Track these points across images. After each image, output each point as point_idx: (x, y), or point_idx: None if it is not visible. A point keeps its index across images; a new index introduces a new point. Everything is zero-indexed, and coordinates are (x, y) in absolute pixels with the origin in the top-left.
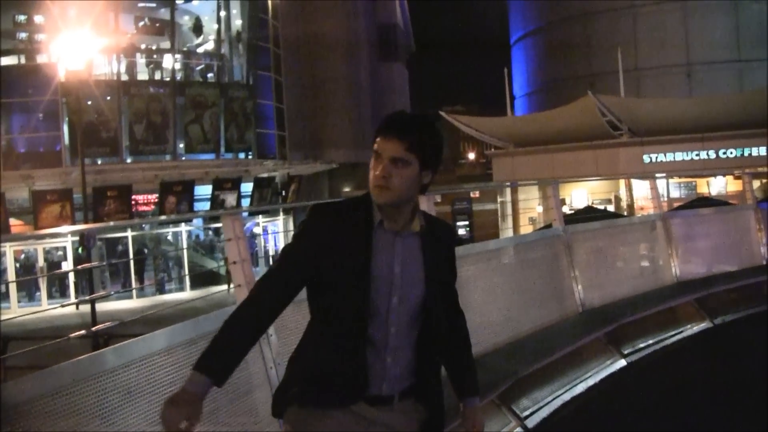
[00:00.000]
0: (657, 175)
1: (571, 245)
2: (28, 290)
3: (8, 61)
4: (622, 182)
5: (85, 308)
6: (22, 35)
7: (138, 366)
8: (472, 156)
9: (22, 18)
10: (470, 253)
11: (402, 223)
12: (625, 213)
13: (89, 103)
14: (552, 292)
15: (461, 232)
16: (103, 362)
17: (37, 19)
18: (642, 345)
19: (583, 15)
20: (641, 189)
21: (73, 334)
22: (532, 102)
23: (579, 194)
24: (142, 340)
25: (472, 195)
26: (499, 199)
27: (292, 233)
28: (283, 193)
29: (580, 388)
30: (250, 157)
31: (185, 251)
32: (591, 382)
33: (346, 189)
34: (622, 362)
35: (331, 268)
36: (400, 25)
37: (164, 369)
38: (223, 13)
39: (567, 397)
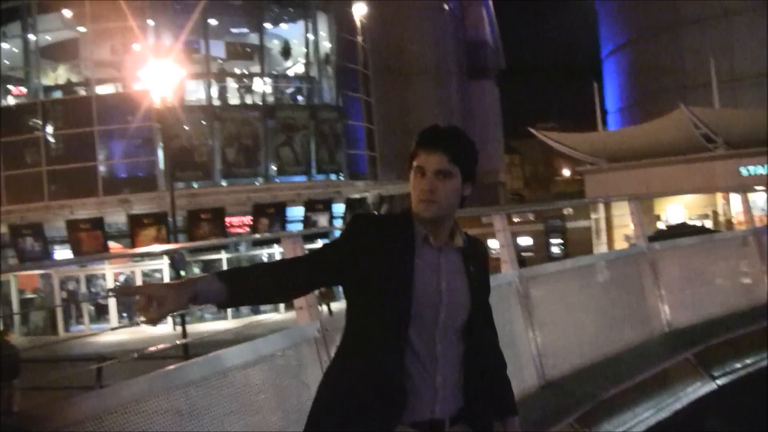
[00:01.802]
0: (757, 188)
1: (656, 263)
2: (128, 311)
3: (106, 89)
4: (719, 196)
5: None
6: (119, 64)
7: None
8: (567, 173)
9: (118, 47)
10: (545, 272)
11: (443, 238)
12: (723, 228)
13: (186, 128)
14: (636, 312)
15: (555, 250)
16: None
17: (134, 48)
18: (734, 367)
19: (673, 25)
20: (740, 203)
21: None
22: (625, 116)
23: (675, 209)
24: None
25: (565, 212)
26: (592, 216)
27: None
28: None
29: (666, 413)
30: (341, 178)
31: None
32: (678, 406)
33: None
34: (712, 385)
35: (373, 278)
36: (489, 42)
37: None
38: (311, 36)
39: (652, 421)
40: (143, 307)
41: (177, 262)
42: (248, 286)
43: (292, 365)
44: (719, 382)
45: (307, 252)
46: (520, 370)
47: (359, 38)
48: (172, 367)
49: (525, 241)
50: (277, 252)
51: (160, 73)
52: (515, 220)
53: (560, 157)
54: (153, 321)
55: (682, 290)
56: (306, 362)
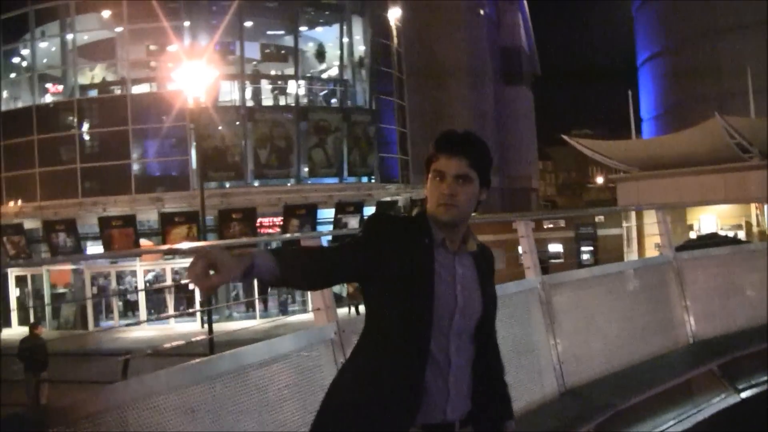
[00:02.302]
0: None
1: (682, 272)
2: (157, 307)
3: (141, 89)
4: (753, 207)
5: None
6: (155, 64)
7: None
8: (600, 180)
9: (154, 47)
10: (569, 280)
11: (457, 242)
12: (756, 239)
13: (219, 128)
14: (660, 322)
15: (585, 257)
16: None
17: (170, 49)
18: (760, 380)
19: (711, 33)
20: None
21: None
22: (660, 124)
23: (708, 219)
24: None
25: (596, 219)
26: (624, 224)
27: None
28: None
29: (687, 424)
30: (372, 181)
31: None
32: (700, 417)
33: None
34: (736, 398)
35: (396, 281)
36: (524, 49)
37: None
38: (345, 40)
39: None
40: (200, 273)
41: None
42: (296, 270)
43: (308, 366)
44: (744, 394)
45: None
46: (540, 377)
47: (394, 42)
48: (186, 363)
49: (555, 247)
50: None
51: (194, 74)
52: (548, 226)
53: (594, 165)
54: (207, 290)
55: (708, 301)
56: (322, 363)
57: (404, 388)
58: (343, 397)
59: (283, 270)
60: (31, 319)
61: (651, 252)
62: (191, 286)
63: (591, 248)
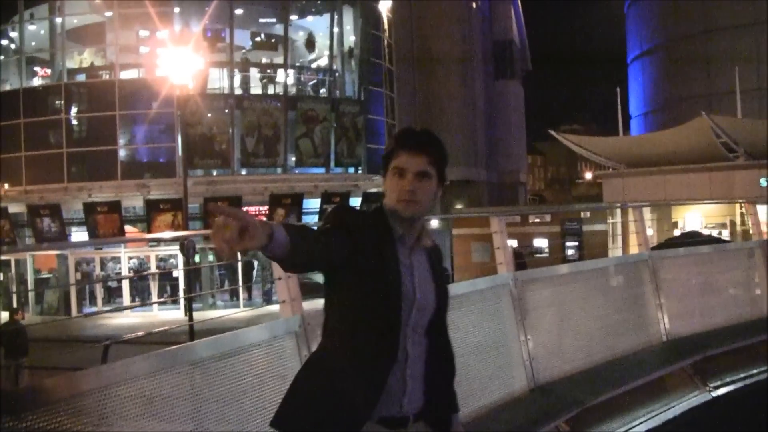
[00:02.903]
0: None
1: (657, 271)
2: (141, 295)
3: (129, 74)
4: (737, 206)
5: (196, 315)
6: (144, 50)
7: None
8: (589, 176)
9: (144, 33)
10: (542, 276)
11: (414, 238)
12: (740, 239)
13: (207, 116)
14: (634, 319)
15: (570, 252)
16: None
17: (159, 34)
18: (730, 379)
19: (701, 32)
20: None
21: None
22: (650, 122)
23: (693, 217)
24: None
25: (582, 215)
26: (609, 221)
27: None
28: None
29: (657, 421)
30: (360, 172)
31: None
32: (670, 414)
33: (459, 206)
34: (707, 396)
35: (363, 272)
36: (516, 42)
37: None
38: (336, 29)
39: (642, 428)
40: (233, 235)
41: (188, 249)
42: (303, 248)
43: (271, 358)
44: (715, 393)
45: None
46: (509, 372)
47: (384, 33)
48: (144, 354)
49: (541, 242)
50: None
51: (182, 61)
52: (534, 221)
53: (583, 160)
54: (235, 253)
55: (683, 299)
56: (286, 356)
57: (369, 381)
58: (306, 391)
59: (294, 248)
60: (14, 305)
61: (635, 249)
62: (175, 273)
63: (576, 243)
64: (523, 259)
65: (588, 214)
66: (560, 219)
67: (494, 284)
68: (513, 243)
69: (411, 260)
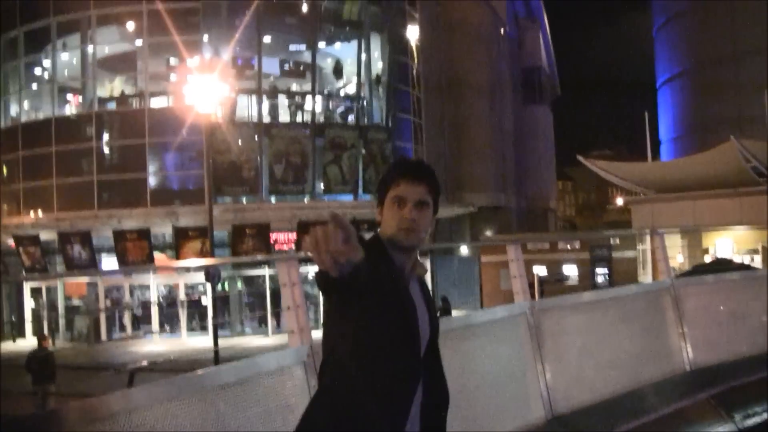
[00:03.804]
0: None
1: (680, 299)
2: (171, 322)
3: (159, 102)
4: None
5: (223, 342)
6: (173, 78)
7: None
8: (620, 202)
9: (173, 61)
10: (560, 305)
11: (410, 266)
12: None
13: (236, 143)
14: (655, 348)
15: (600, 279)
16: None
17: (188, 63)
18: (757, 410)
19: (731, 56)
20: None
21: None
22: (679, 146)
23: (724, 243)
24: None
25: (612, 242)
26: (639, 247)
27: None
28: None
29: None
30: None
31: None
32: None
33: (488, 232)
34: (733, 427)
35: (380, 303)
36: (545, 67)
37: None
38: (364, 57)
39: None
40: (338, 246)
41: (213, 276)
42: (366, 270)
43: (278, 387)
44: (740, 425)
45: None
46: (526, 403)
47: (412, 60)
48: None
49: (570, 269)
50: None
51: (210, 88)
52: (566, 247)
53: (613, 186)
54: (342, 263)
55: (707, 328)
56: (294, 385)
57: (395, 408)
58: (327, 424)
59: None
60: (45, 331)
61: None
62: (204, 301)
63: (606, 270)
64: (541, 287)
65: (618, 240)
66: (589, 246)
67: (511, 313)
68: (542, 270)
69: (410, 290)
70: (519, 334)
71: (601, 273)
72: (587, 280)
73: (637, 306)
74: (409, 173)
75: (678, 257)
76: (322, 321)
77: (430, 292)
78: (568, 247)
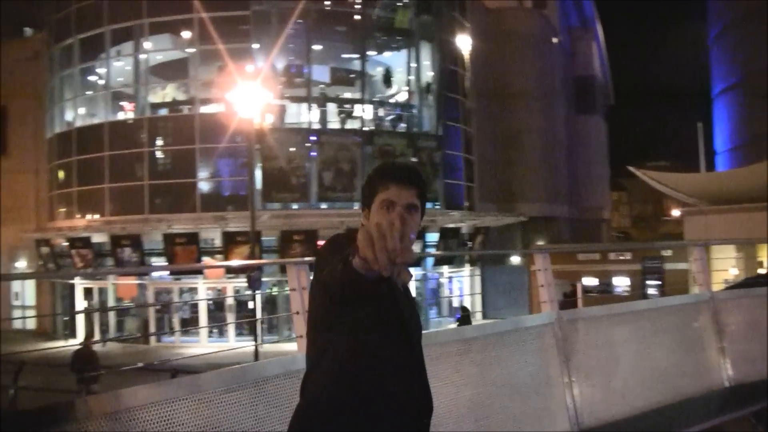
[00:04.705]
0: None
1: (720, 313)
2: (220, 327)
3: (209, 109)
4: None
5: (268, 347)
6: (223, 85)
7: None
8: (677, 213)
9: (224, 68)
10: (589, 315)
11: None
12: None
13: (288, 149)
14: (692, 363)
15: (651, 291)
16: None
17: (239, 70)
18: None
19: None
20: None
21: None
22: (735, 157)
23: None
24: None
25: (664, 253)
26: (690, 259)
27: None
28: (470, 244)
29: None
30: (437, 207)
31: None
32: None
33: (540, 242)
34: None
35: (378, 305)
36: (598, 77)
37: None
38: (413, 65)
39: None
40: (396, 245)
41: (253, 281)
42: None
43: (287, 393)
44: None
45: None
46: (551, 415)
47: (462, 68)
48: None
49: (622, 281)
50: None
51: (260, 96)
52: (619, 258)
53: (668, 197)
54: (393, 268)
55: (748, 343)
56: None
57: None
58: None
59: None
60: (96, 332)
61: (718, 287)
62: (251, 305)
63: (658, 282)
64: (572, 297)
65: (670, 252)
66: (641, 257)
67: (538, 323)
68: (593, 281)
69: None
70: (545, 344)
71: (652, 284)
72: (638, 291)
73: (673, 318)
74: (398, 177)
75: (733, 270)
76: (300, 333)
77: (413, 297)
78: (620, 257)
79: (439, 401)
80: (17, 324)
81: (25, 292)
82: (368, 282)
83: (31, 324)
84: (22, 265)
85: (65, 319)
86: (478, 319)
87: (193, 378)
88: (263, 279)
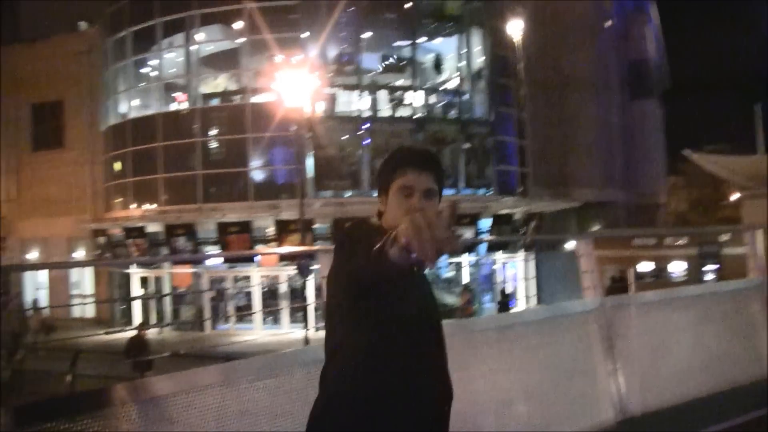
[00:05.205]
0: None
1: None
2: (274, 314)
3: (260, 98)
4: None
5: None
6: (274, 74)
7: None
8: (738, 196)
9: (274, 58)
10: (635, 302)
11: None
12: None
13: (341, 137)
14: (742, 351)
15: (708, 276)
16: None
17: (289, 59)
18: None
19: None
20: None
21: None
22: None
23: None
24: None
25: (721, 238)
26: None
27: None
28: (524, 230)
29: None
30: (489, 193)
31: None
32: None
33: (595, 227)
34: None
35: (398, 294)
36: (654, 60)
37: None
38: (464, 51)
39: None
40: (445, 233)
41: (303, 268)
42: None
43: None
44: None
45: None
46: (595, 403)
47: (514, 54)
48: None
49: (678, 266)
50: None
51: (310, 84)
52: (676, 243)
53: (728, 181)
54: (439, 256)
55: None
56: None
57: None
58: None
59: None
60: (153, 320)
61: None
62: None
63: (715, 267)
64: (624, 283)
65: (728, 237)
66: (699, 242)
67: (580, 309)
68: (650, 265)
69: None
70: (588, 330)
71: (709, 270)
72: (694, 277)
73: (725, 304)
74: (416, 162)
75: None
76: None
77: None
78: (677, 242)
79: (477, 389)
80: (77, 312)
81: (84, 281)
82: (402, 271)
83: (90, 313)
84: (80, 254)
85: (122, 307)
86: (532, 304)
87: (232, 364)
88: (313, 267)
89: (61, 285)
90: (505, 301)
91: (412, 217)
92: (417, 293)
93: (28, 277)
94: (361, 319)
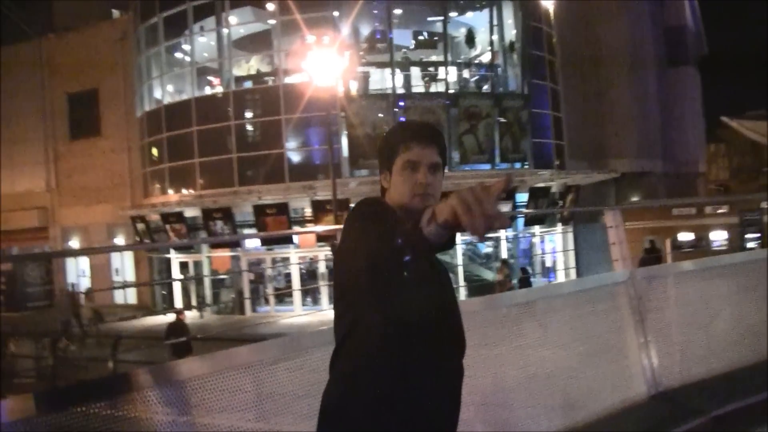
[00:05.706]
0: None
1: None
2: (313, 295)
3: (293, 79)
4: None
5: None
6: (306, 54)
7: None
8: None
9: (306, 38)
10: (666, 273)
11: None
12: None
13: (375, 115)
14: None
15: (751, 245)
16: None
17: (321, 39)
18: None
19: None
20: None
21: None
22: None
23: None
24: None
25: (763, 205)
26: None
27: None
28: (561, 203)
29: None
30: (526, 167)
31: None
32: None
33: (634, 198)
34: None
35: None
36: (690, 27)
37: None
38: (496, 24)
39: None
40: (494, 209)
41: (336, 248)
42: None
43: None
44: None
45: None
46: (627, 378)
47: (548, 25)
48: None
49: (720, 235)
50: (459, 238)
51: (342, 63)
52: (718, 211)
53: None
54: (489, 231)
55: None
56: None
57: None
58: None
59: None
60: (193, 304)
61: None
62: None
63: (758, 235)
64: (658, 253)
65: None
66: (739, 210)
67: (609, 282)
68: (689, 236)
69: None
70: (618, 303)
71: (752, 238)
72: (735, 245)
73: (756, 275)
74: (420, 136)
75: None
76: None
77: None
78: (717, 211)
79: (506, 365)
80: (119, 298)
81: (125, 267)
82: (430, 249)
83: (131, 298)
84: (120, 241)
85: (163, 293)
86: (571, 276)
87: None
88: None
89: (102, 272)
90: (526, 277)
91: (461, 194)
92: (435, 275)
93: (71, 264)
94: (378, 300)
